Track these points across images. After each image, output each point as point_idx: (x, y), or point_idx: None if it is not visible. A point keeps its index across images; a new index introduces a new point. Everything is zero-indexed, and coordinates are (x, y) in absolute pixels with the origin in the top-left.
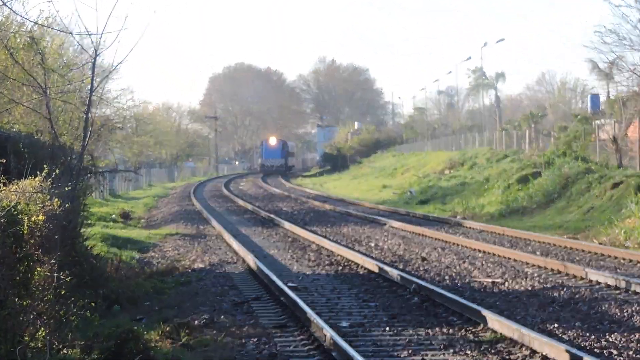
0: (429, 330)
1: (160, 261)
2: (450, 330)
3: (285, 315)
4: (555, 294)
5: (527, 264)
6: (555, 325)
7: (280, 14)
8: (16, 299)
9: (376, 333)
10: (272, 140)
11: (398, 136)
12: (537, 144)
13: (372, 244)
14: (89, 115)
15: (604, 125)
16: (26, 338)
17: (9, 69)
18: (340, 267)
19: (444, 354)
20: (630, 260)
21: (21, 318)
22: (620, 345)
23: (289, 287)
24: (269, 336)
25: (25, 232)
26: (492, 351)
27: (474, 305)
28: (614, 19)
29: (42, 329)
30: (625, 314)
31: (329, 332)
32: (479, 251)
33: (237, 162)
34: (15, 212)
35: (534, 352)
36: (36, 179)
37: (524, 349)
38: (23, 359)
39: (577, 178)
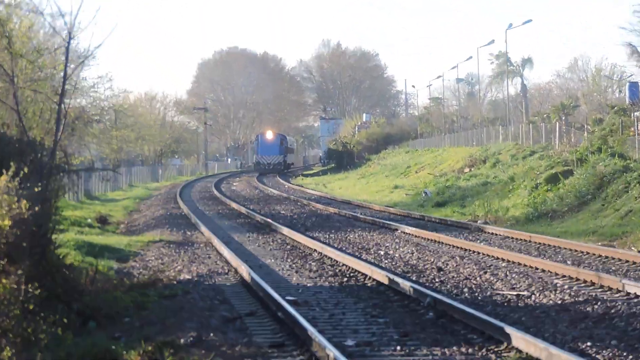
0: (446, 350)
1: (142, 272)
2: (470, 350)
3: (283, 332)
4: (588, 309)
5: (557, 274)
6: (588, 343)
7: None
8: None
9: (386, 353)
10: (269, 135)
11: (412, 130)
12: (569, 139)
13: (382, 252)
14: (62, 106)
15: None
16: None
17: None
18: (345, 279)
19: None
20: None
21: None
22: None
23: (288, 301)
24: (265, 356)
25: None
26: None
27: (497, 322)
28: None
29: (8, 348)
30: None
31: (332, 352)
32: (503, 260)
33: (229, 160)
34: None
35: None
36: (1, 178)
37: None
38: None
39: (614, 177)
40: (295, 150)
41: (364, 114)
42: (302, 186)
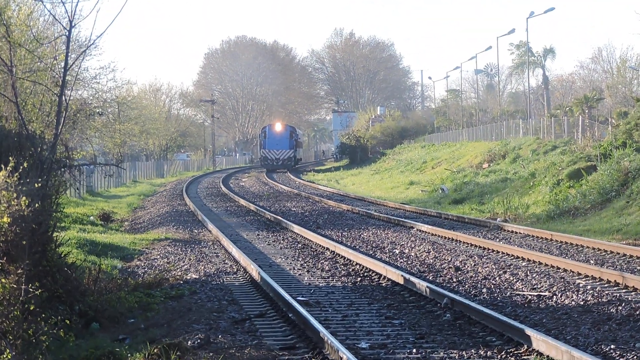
0: (464, 353)
1: (147, 271)
2: (489, 353)
3: (294, 334)
4: (612, 310)
5: (579, 274)
6: (612, 346)
7: None
8: None
9: (401, 356)
10: (278, 126)
11: (428, 124)
12: (592, 133)
13: (397, 251)
14: (63, 98)
15: None
16: None
17: None
18: (358, 278)
19: None
20: None
21: None
22: None
23: (299, 302)
24: None
25: None
26: None
27: (517, 323)
28: None
29: (8, 350)
30: None
31: (345, 355)
32: (523, 259)
33: (237, 154)
34: None
35: None
36: (0, 173)
37: None
38: None
39: (639, 173)
40: (302, 144)
41: (378, 107)
42: (313, 182)
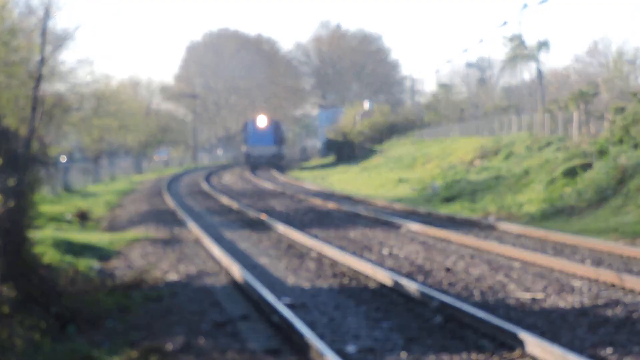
0: (454, 357)
1: (126, 272)
2: (481, 357)
3: (278, 337)
4: (608, 313)
5: (575, 275)
6: (609, 350)
7: None
8: None
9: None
10: (262, 121)
11: (418, 119)
12: (588, 129)
13: (385, 252)
14: (39, 92)
15: None
16: None
17: None
18: (346, 280)
19: None
20: None
21: None
22: None
23: (284, 304)
24: None
25: None
26: None
27: (510, 326)
28: None
29: None
30: None
31: (331, 359)
32: (516, 260)
33: (220, 151)
34: None
35: None
36: None
37: None
38: None
39: (637, 171)
40: (287, 139)
41: (367, 102)
42: (298, 180)
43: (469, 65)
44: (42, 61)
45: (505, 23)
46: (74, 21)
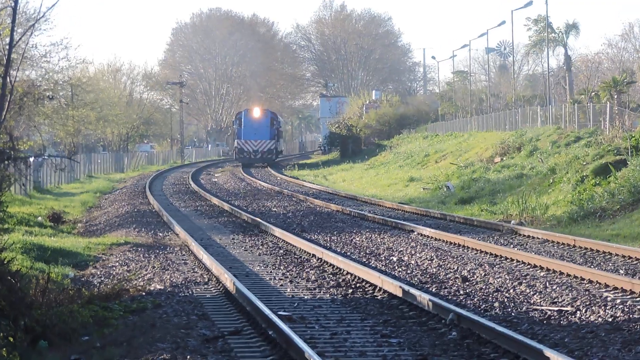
0: None
1: (104, 281)
2: None
3: (274, 355)
4: None
5: (607, 286)
6: None
7: None
8: None
9: None
10: (256, 112)
11: (431, 110)
12: (622, 122)
13: (395, 258)
14: (8, 79)
15: None
16: None
17: None
18: (350, 290)
19: None
20: None
21: None
22: None
23: (280, 317)
24: None
25: None
26: None
27: (534, 343)
28: None
29: None
30: None
31: None
32: (541, 269)
33: (209, 146)
34: None
35: None
36: None
37: None
38: None
39: None
40: (286, 134)
41: (374, 91)
42: (297, 178)
43: (489, 50)
44: (12, 45)
45: (529, 3)
46: (47, 0)
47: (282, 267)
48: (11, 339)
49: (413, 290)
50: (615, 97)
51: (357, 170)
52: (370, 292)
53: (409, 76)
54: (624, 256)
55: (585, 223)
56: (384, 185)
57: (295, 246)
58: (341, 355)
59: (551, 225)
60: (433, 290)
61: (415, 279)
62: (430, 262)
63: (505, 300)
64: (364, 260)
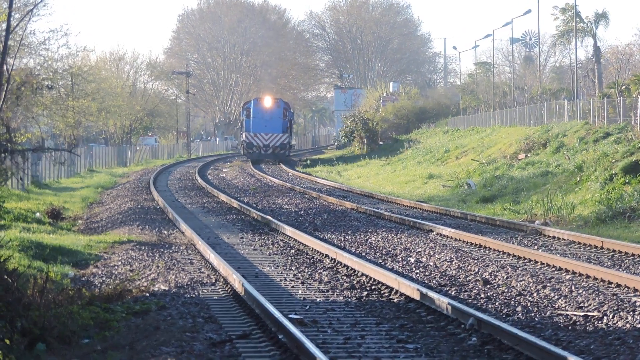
0: None
1: (105, 281)
2: None
3: None
4: None
5: (636, 290)
6: None
7: None
8: None
9: None
10: (267, 101)
11: (452, 104)
12: None
13: (412, 260)
14: (4, 67)
15: None
16: None
17: None
18: (365, 292)
19: None
20: None
21: None
22: None
23: (291, 321)
24: None
25: None
26: None
27: (559, 350)
28: None
29: None
30: None
31: None
32: (567, 272)
33: (217, 139)
34: None
35: None
36: None
37: None
38: None
39: None
40: (298, 126)
41: (391, 83)
42: (310, 174)
43: (514, 40)
44: (9, 31)
45: None
46: None
47: (293, 268)
48: (7, 342)
49: (431, 293)
50: None
51: (373, 166)
52: (386, 294)
53: (428, 67)
54: None
55: (614, 224)
56: (402, 182)
57: (307, 246)
58: None
59: (577, 226)
60: (452, 293)
61: (434, 282)
62: (449, 263)
63: (529, 304)
64: (380, 261)
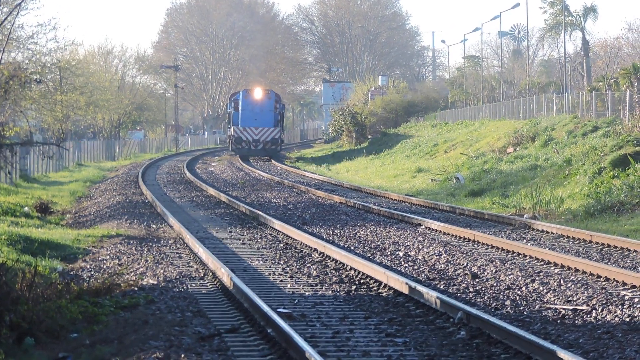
0: None
1: (94, 275)
2: None
3: (273, 354)
4: None
5: (625, 284)
6: None
7: None
8: None
9: None
10: (257, 93)
11: (441, 98)
12: None
13: (401, 253)
14: None
15: None
16: None
17: None
18: (353, 287)
19: None
20: None
21: None
22: None
23: (280, 315)
24: None
25: None
26: None
27: (547, 344)
28: None
29: None
30: None
31: None
32: (555, 265)
33: (205, 133)
34: None
35: None
36: None
37: None
38: None
39: None
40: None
41: (380, 77)
42: (299, 168)
43: (502, 34)
44: None
45: None
46: None
47: (282, 262)
48: None
49: (420, 287)
50: (636, 84)
51: (362, 160)
52: (375, 288)
53: (417, 61)
54: None
55: (603, 217)
56: (390, 176)
57: (296, 240)
58: (343, 355)
59: (566, 220)
60: (441, 287)
61: (423, 275)
62: (438, 257)
63: (517, 298)
64: (369, 255)
